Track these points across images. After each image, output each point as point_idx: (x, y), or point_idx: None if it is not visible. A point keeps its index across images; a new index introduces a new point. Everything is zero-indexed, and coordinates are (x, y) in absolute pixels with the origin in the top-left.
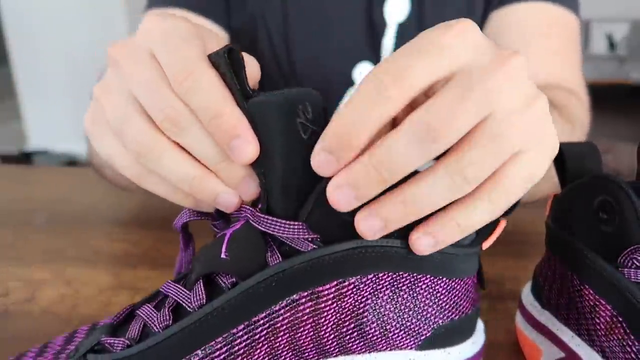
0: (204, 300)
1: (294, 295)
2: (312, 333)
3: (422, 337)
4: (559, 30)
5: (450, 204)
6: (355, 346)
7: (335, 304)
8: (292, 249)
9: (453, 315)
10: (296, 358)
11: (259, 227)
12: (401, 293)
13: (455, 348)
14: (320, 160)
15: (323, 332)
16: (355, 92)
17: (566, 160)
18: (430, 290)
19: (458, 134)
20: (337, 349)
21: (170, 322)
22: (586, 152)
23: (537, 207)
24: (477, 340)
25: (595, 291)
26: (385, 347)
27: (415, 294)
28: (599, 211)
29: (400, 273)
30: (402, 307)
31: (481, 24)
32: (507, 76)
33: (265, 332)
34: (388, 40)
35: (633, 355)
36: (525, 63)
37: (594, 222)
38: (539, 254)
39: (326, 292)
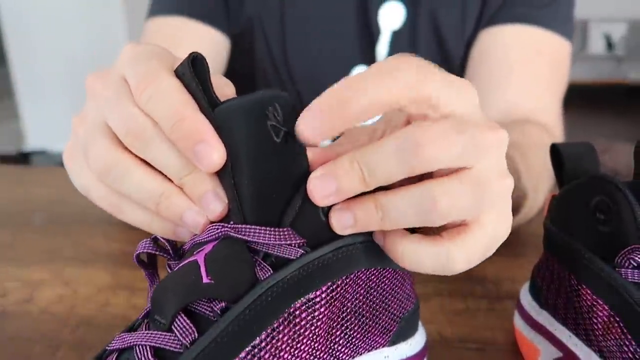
0: (196, 334)
1: (290, 308)
2: (309, 348)
3: (391, 333)
4: (545, 57)
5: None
6: (342, 355)
7: (327, 310)
8: (279, 258)
9: (407, 307)
10: None
11: (244, 238)
12: (371, 291)
13: (412, 339)
14: (311, 113)
15: (318, 344)
16: (368, 68)
17: (564, 160)
18: (391, 284)
19: (439, 161)
20: None
21: None
22: (584, 152)
23: None
24: (422, 332)
25: (593, 291)
26: (364, 350)
27: (381, 290)
28: (596, 211)
29: (371, 270)
30: (374, 305)
31: (471, 38)
32: (495, 142)
33: (268, 354)
34: (382, 47)
35: (630, 355)
36: (507, 139)
37: (591, 223)
38: (536, 254)
39: (319, 298)
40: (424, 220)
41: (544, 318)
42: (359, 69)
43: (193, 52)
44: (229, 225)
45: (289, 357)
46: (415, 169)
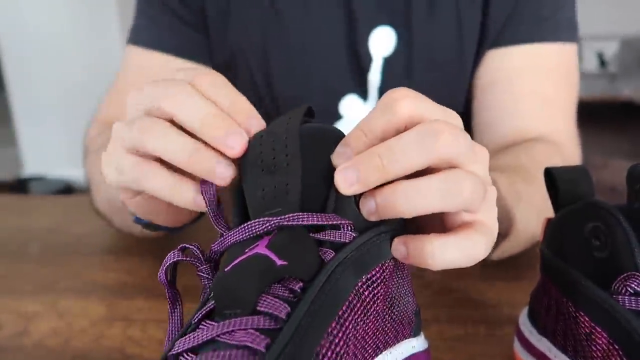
0: (289, 308)
1: (356, 286)
2: (373, 325)
3: (412, 324)
4: (552, 74)
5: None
6: (389, 339)
7: (382, 289)
8: (334, 243)
9: (415, 299)
10: None
11: (301, 224)
12: (399, 280)
13: (422, 333)
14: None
15: (378, 322)
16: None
17: (558, 184)
18: (407, 276)
19: (455, 149)
20: (372, 353)
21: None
22: (578, 176)
23: None
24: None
25: (591, 318)
26: (401, 338)
27: (403, 279)
28: (591, 237)
29: (395, 262)
30: (401, 294)
31: (474, 61)
32: (484, 155)
33: (349, 324)
34: (374, 74)
35: None
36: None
37: (586, 248)
38: (535, 277)
39: (375, 277)
40: (449, 203)
41: (543, 345)
42: (350, 98)
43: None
44: (279, 217)
45: (363, 327)
46: (435, 154)
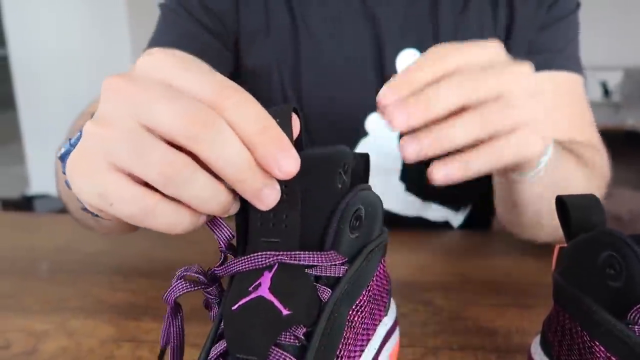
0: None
1: (349, 317)
2: (360, 343)
3: (385, 304)
4: (569, 96)
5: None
6: (370, 338)
7: (368, 306)
8: (329, 278)
9: (390, 282)
10: None
11: (302, 263)
12: (380, 273)
13: (391, 305)
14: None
15: (364, 338)
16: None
17: (570, 213)
18: (387, 278)
19: (487, 87)
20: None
21: None
22: (590, 204)
23: (542, 256)
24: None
25: (606, 348)
26: (374, 333)
27: (382, 271)
28: (605, 266)
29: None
30: (382, 284)
31: None
32: (523, 72)
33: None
34: None
35: None
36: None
37: (601, 277)
38: (545, 305)
39: (362, 301)
40: (471, 134)
41: None
42: (375, 115)
43: (291, 105)
44: (280, 254)
45: (354, 350)
46: (470, 93)
